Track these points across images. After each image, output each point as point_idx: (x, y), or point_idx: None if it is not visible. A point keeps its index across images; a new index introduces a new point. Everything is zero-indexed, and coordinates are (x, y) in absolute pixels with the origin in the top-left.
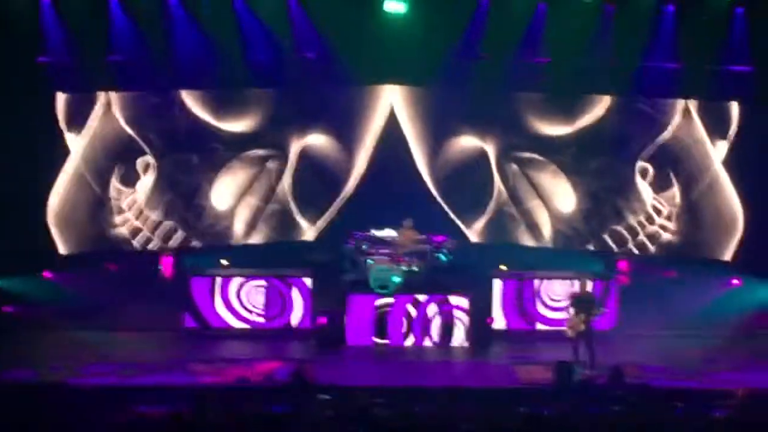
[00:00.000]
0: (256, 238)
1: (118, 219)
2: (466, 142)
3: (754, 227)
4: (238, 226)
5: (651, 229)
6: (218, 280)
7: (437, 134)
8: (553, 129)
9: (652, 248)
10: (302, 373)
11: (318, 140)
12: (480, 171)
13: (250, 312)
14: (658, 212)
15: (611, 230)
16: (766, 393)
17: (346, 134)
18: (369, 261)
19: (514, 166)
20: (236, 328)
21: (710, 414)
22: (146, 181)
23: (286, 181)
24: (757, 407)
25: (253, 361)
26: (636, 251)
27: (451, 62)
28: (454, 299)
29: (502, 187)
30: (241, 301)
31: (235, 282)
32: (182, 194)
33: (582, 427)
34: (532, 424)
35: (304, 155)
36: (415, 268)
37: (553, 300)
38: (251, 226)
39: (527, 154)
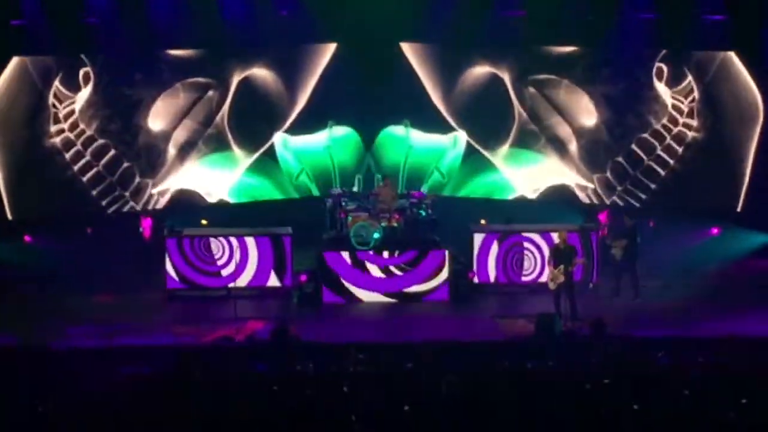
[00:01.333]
0: (193, 158)
1: (53, 128)
2: (481, 70)
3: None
4: (173, 149)
5: (676, 130)
6: (194, 240)
7: (449, 69)
8: (562, 47)
9: (680, 150)
10: (284, 332)
11: (261, 73)
12: (498, 98)
13: (217, 266)
14: (680, 111)
15: (638, 139)
16: (749, 340)
17: (290, 73)
18: (348, 218)
19: (531, 89)
20: (217, 288)
21: (694, 362)
22: (86, 93)
23: (225, 111)
24: (740, 354)
25: (235, 321)
26: (666, 156)
27: (427, 19)
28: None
29: (522, 110)
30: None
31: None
32: (121, 110)
33: (565, 379)
34: (515, 377)
35: (245, 86)
36: (394, 224)
37: (524, 274)
38: (189, 147)
39: (541, 76)
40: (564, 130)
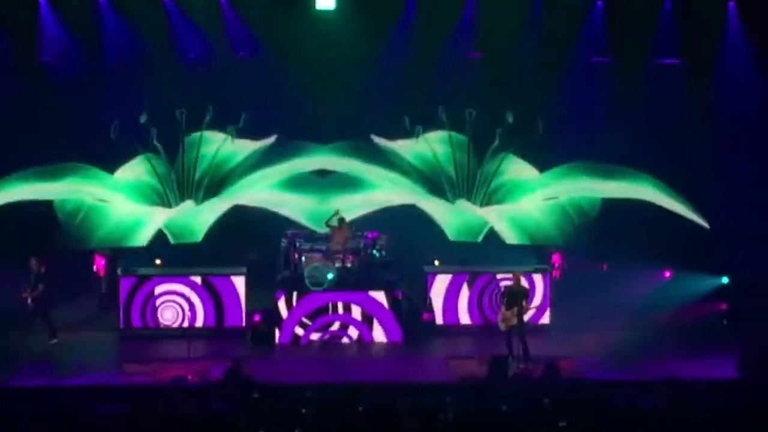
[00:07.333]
0: None
1: None
2: None
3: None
4: None
5: None
6: (144, 282)
7: None
8: None
9: None
10: (237, 372)
11: None
12: None
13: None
14: None
15: None
16: (698, 384)
17: None
18: (303, 258)
19: None
20: (170, 328)
21: (645, 406)
22: None
23: None
24: (689, 398)
25: (188, 361)
26: None
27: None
28: (377, 295)
29: None
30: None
31: (160, 287)
32: None
33: (516, 421)
34: (466, 418)
35: None
36: (348, 265)
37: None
38: None
39: None
40: None
